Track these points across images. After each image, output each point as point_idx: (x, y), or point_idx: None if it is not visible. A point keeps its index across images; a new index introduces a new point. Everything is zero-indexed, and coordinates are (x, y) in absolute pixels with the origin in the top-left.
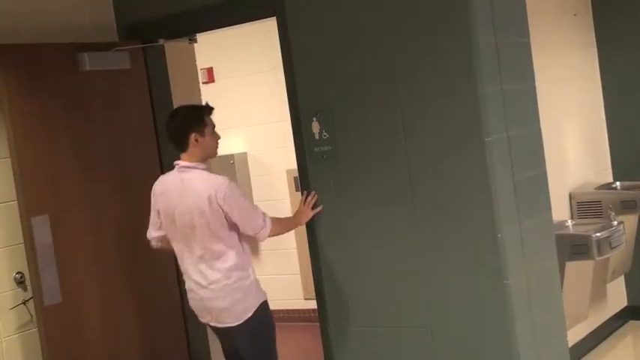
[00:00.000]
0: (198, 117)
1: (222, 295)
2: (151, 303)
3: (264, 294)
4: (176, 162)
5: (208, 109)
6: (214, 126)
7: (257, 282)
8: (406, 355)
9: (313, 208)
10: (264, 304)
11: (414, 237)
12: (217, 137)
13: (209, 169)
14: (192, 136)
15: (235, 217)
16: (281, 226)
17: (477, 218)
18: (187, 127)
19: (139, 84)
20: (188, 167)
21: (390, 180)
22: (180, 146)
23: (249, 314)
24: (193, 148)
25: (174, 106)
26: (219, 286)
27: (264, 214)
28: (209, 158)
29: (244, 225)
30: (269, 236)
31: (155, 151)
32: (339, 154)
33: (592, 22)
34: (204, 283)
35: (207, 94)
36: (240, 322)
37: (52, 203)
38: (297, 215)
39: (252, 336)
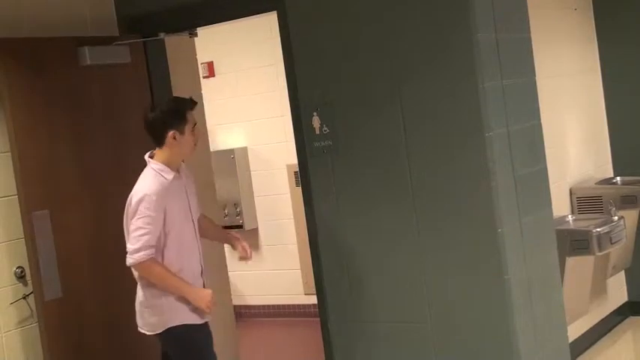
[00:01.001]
0: (180, 113)
1: (138, 300)
2: None
3: (190, 317)
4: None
5: (191, 105)
6: (195, 123)
7: (180, 304)
8: (406, 350)
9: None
10: (180, 328)
11: (414, 231)
12: (196, 136)
13: (163, 170)
14: (171, 133)
15: (126, 228)
16: (165, 278)
17: (477, 213)
18: (167, 122)
19: (139, 78)
20: (148, 161)
21: (390, 175)
22: (157, 141)
23: (160, 330)
24: (170, 146)
25: None
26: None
27: (146, 249)
28: (183, 158)
29: (127, 239)
30: (134, 268)
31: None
32: (339, 149)
33: (592, 17)
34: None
35: (208, 89)
36: (154, 333)
37: (53, 198)
38: (194, 290)
39: (170, 349)
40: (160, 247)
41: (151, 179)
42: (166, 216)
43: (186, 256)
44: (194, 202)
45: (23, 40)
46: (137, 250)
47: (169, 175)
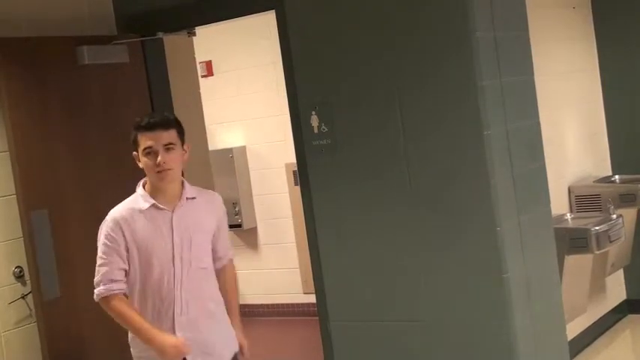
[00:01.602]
0: (133, 135)
1: None
2: None
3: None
4: None
5: (143, 127)
6: (149, 147)
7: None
8: (405, 349)
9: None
10: None
11: (413, 230)
12: (152, 159)
13: (143, 195)
14: (133, 154)
15: None
16: (128, 319)
17: (476, 212)
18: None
19: (137, 77)
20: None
21: (389, 173)
22: None
23: None
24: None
25: (173, 100)
26: None
27: (106, 283)
28: (155, 184)
29: None
30: (99, 302)
31: None
32: (338, 147)
33: (591, 15)
34: None
35: (206, 88)
36: None
37: (52, 197)
38: (160, 338)
39: None
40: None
41: (123, 204)
42: (128, 248)
43: (150, 305)
44: (189, 242)
45: (21, 40)
46: (97, 284)
47: (144, 204)
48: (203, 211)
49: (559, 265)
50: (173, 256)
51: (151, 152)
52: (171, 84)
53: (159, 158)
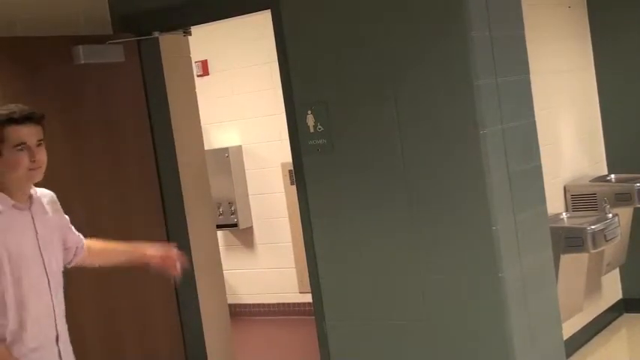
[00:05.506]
0: None
1: None
2: (146, 299)
3: None
4: None
5: (16, 120)
6: (23, 142)
7: None
8: (402, 348)
9: None
10: None
11: (409, 229)
12: (26, 156)
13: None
14: None
15: None
16: None
17: (472, 211)
18: None
19: (133, 77)
20: None
21: (385, 173)
22: None
23: None
24: None
25: (169, 99)
26: None
27: None
28: (18, 182)
29: None
30: None
31: (150, 143)
32: (334, 147)
33: (586, 14)
34: None
35: (202, 87)
36: None
37: None
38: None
39: None
40: None
41: None
42: (10, 257)
43: (31, 311)
44: (49, 240)
45: (17, 40)
46: None
47: (4, 205)
48: (50, 210)
49: (555, 265)
50: (44, 260)
51: (24, 148)
52: (167, 83)
53: (36, 155)
